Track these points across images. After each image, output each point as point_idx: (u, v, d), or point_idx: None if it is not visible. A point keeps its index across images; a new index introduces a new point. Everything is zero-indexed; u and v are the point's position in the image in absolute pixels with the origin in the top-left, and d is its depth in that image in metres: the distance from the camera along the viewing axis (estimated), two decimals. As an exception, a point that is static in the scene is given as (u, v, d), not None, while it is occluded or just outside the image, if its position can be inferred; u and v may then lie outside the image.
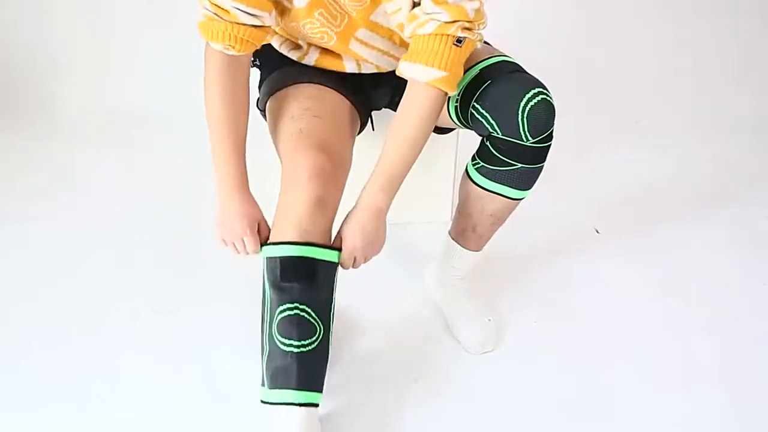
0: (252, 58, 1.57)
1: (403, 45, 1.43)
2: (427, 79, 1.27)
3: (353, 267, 1.37)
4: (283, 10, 1.36)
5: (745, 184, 2.28)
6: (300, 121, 1.36)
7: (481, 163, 1.45)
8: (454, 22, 1.24)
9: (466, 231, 1.56)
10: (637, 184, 2.25)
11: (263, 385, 1.34)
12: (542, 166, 1.42)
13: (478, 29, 1.29)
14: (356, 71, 1.49)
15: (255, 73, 1.59)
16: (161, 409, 1.43)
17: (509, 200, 1.47)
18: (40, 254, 1.87)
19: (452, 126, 1.56)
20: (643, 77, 2.83)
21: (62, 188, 2.17)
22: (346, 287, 1.55)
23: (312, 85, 1.44)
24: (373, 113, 1.64)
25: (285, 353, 1.29)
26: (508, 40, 1.66)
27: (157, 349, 1.57)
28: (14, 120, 2.55)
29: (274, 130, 1.42)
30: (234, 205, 1.35)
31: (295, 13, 1.34)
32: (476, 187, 1.47)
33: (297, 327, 1.29)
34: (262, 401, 1.33)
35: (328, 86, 1.45)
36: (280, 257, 1.28)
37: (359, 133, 1.58)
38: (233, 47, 1.28)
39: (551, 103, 1.34)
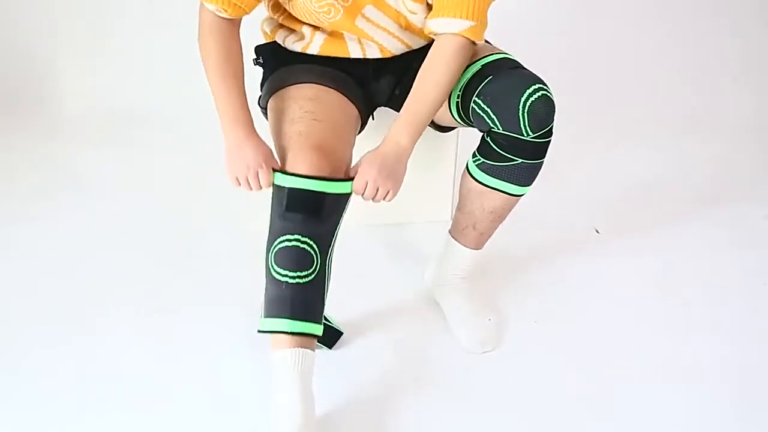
0: (255, 56, 1.58)
1: (409, 28, 1.46)
2: (458, 29, 1.34)
3: (364, 196, 1.36)
4: None
5: (745, 184, 2.28)
6: (300, 124, 1.37)
7: (482, 159, 1.45)
8: None
9: (467, 229, 1.56)
10: (637, 184, 2.26)
11: (262, 316, 1.36)
12: (542, 161, 1.42)
13: None
14: (360, 56, 1.49)
15: (257, 72, 1.59)
16: (161, 408, 1.43)
17: (510, 196, 1.47)
18: (40, 254, 1.87)
19: (453, 124, 1.56)
20: (644, 77, 2.83)
21: (62, 188, 2.17)
22: (347, 287, 1.56)
23: (313, 85, 1.44)
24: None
25: (279, 283, 1.31)
26: (508, 39, 1.67)
27: (157, 349, 1.57)
28: (14, 120, 2.55)
29: (275, 131, 1.42)
30: (244, 141, 1.35)
31: None
32: (477, 183, 1.48)
33: (294, 258, 1.31)
34: (258, 331, 1.35)
35: (329, 86, 1.45)
36: (288, 188, 1.30)
37: (360, 131, 1.58)
38: (225, 10, 1.35)
39: (551, 99, 1.35)
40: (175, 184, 2.18)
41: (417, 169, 1.91)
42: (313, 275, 1.32)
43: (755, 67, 2.89)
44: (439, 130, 1.65)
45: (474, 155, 1.48)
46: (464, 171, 1.52)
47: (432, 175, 1.96)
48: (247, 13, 1.39)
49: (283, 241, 1.31)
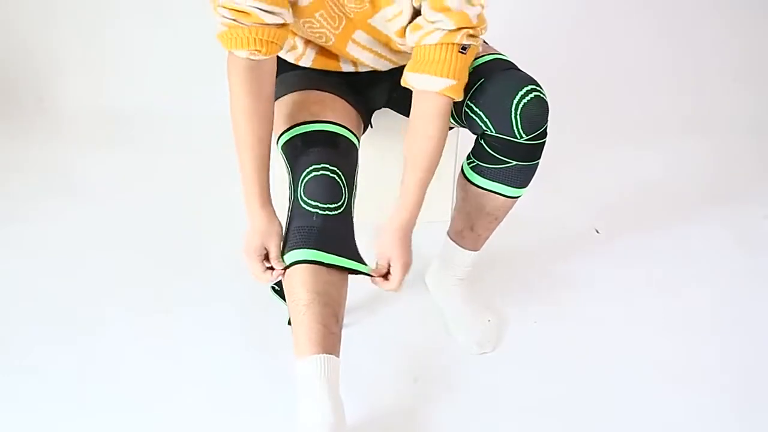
0: None
1: (399, 51, 1.44)
2: (439, 88, 1.29)
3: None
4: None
5: (745, 184, 2.28)
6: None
7: (476, 162, 1.45)
8: (459, 29, 1.25)
9: (464, 231, 1.56)
10: (637, 184, 2.25)
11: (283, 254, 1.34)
12: (537, 163, 1.41)
13: (481, 34, 1.30)
14: (353, 70, 1.49)
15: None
16: (161, 408, 1.43)
17: (506, 198, 1.47)
18: (40, 254, 1.87)
19: (451, 124, 1.56)
20: (643, 77, 2.82)
21: (61, 188, 2.17)
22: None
23: (314, 91, 1.44)
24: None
25: (310, 214, 1.29)
26: (507, 39, 1.66)
27: (156, 349, 1.57)
28: (13, 120, 2.55)
29: (279, 137, 1.42)
30: (262, 222, 1.34)
31: (299, 10, 1.34)
32: (472, 186, 1.48)
33: (324, 188, 1.30)
34: (286, 267, 1.32)
35: (329, 92, 1.45)
36: (298, 133, 1.33)
37: (362, 134, 1.58)
38: (260, 51, 1.25)
39: (544, 100, 1.33)
40: (174, 185, 2.18)
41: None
42: (342, 208, 1.32)
43: (755, 67, 2.89)
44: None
45: (468, 157, 1.48)
46: (460, 173, 1.52)
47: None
48: (281, 49, 1.31)
49: (311, 171, 1.31)
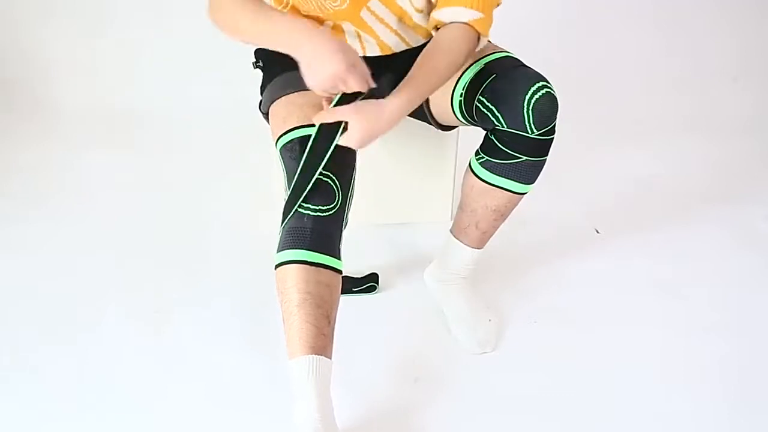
0: (254, 60, 1.58)
1: (410, 26, 1.46)
2: (468, 18, 1.34)
3: (328, 102, 1.32)
4: None
5: (745, 184, 2.28)
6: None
7: (486, 158, 1.46)
8: None
9: (469, 227, 1.56)
10: (637, 184, 2.26)
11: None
12: (545, 159, 1.43)
13: None
14: (360, 54, 1.49)
15: (257, 75, 1.59)
16: (161, 408, 1.43)
17: (513, 194, 1.47)
18: (39, 254, 1.87)
19: (455, 123, 1.57)
20: (643, 77, 2.83)
21: (60, 188, 2.17)
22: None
23: (312, 92, 1.43)
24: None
25: (302, 215, 1.29)
26: (507, 39, 1.66)
27: (156, 349, 1.57)
28: (12, 120, 2.55)
29: (276, 140, 1.42)
30: (326, 42, 1.24)
31: None
32: (480, 181, 1.48)
33: (318, 193, 1.30)
34: (276, 266, 1.31)
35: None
36: (295, 137, 1.34)
37: None
38: None
39: (555, 97, 1.37)
40: (173, 185, 2.18)
41: (417, 169, 1.92)
42: (335, 209, 1.31)
43: (755, 67, 2.89)
44: (441, 129, 1.64)
45: (477, 153, 1.49)
46: (467, 169, 1.52)
47: (432, 175, 1.96)
48: None
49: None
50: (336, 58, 1.22)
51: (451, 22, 1.36)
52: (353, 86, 1.26)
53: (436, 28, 1.41)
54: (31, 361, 1.54)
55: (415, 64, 1.35)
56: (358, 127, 1.29)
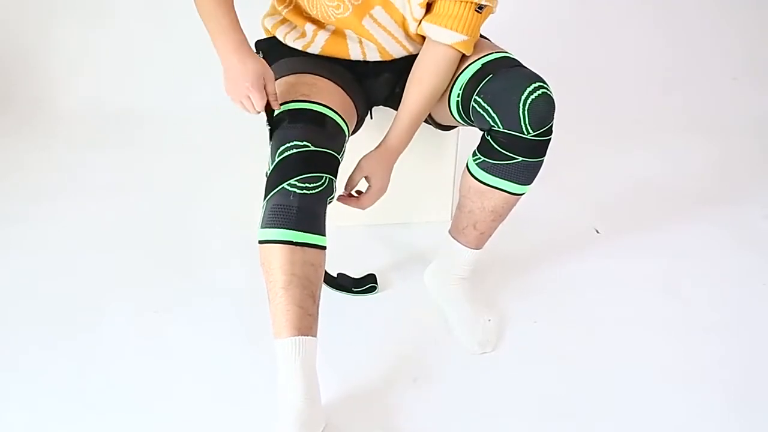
0: (255, 51, 1.58)
1: (411, 35, 1.48)
2: (451, 41, 1.40)
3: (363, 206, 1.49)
4: None
5: (745, 184, 2.28)
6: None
7: (482, 158, 1.46)
8: None
9: (467, 228, 1.56)
10: (637, 184, 2.26)
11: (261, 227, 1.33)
12: (542, 160, 1.43)
13: None
14: (361, 58, 1.50)
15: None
16: (161, 406, 1.43)
17: (510, 195, 1.47)
18: (39, 254, 1.87)
19: (453, 123, 1.57)
20: (643, 77, 2.83)
21: (60, 188, 2.17)
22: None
23: (308, 75, 1.45)
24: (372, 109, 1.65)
25: (287, 192, 1.29)
26: (507, 39, 1.67)
27: (155, 348, 1.57)
28: (12, 120, 2.55)
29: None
30: (235, 65, 1.32)
31: None
32: (477, 182, 1.48)
33: (304, 164, 1.30)
34: (259, 241, 1.32)
35: (328, 78, 1.46)
36: (285, 110, 1.35)
37: (357, 128, 1.58)
38: None
39: (551, 97, 1.36)
40: (173, 185, 2.18)
41: (417, 169, 1.92)
42: (321, 188, 1.31)
43: (755, 67, 2.89)
44: (440, 128, 1.65)
45: (474, 154, 1.49)
46: (464, 170, 1.52)
47: (432, 175, 1.96)
48: None
49: (293, 147, 1.30)
50: (240, 79, 1.32)
51: (436, 42, 1.42)
52: (257, 105, 1.34)
53: (422, 37, 1.46)
54: (31, 360, 1.54)
55: (405, 93, 1.46)
56: (380, 176, 1.48)
